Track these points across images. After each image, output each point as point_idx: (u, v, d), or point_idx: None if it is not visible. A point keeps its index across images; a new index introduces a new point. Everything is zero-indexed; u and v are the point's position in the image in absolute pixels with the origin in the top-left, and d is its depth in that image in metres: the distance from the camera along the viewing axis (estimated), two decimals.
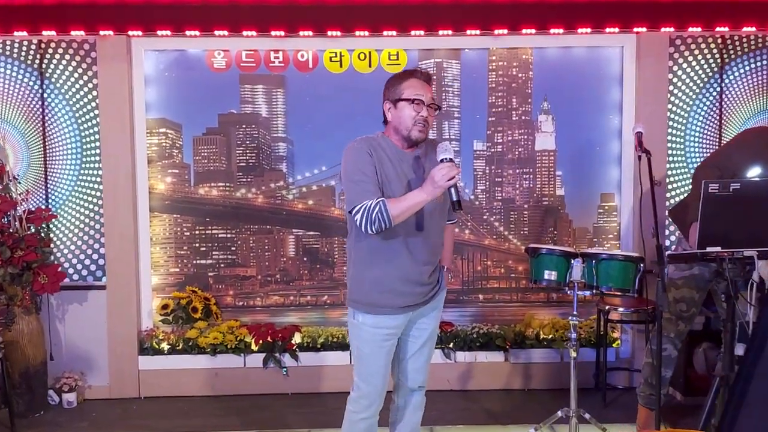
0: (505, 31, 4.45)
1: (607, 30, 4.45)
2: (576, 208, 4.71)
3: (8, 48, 4.42)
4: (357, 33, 4.42)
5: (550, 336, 4.53)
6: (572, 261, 3.21)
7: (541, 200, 4.72)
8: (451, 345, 4.51)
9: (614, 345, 4.60)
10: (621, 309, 4.14)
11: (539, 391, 4.52)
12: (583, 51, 4.59)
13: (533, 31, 4.44)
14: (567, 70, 4.60)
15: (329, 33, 4.42)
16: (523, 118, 4.68)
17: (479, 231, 4.71)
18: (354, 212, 2.56)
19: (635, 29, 4.45)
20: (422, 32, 4.42)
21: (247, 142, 4.63)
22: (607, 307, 4.17)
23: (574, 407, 3.29)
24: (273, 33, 4.42)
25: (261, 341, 4.46)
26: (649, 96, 4.49)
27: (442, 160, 2.49)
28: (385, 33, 4.42)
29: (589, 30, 4.44)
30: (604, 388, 4.30)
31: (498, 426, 3.98)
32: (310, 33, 4.42)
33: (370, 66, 4.55)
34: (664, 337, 3.40)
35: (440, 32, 4.43)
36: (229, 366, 4.48)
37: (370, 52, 4.54)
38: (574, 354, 3.21)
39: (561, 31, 4.44)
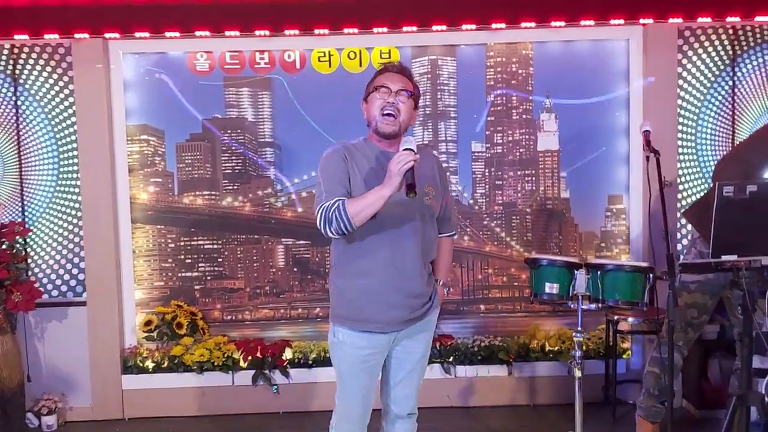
0: (503, 25, 4.22)
1: (612, 22, 4.20)
2: (582, 211, 4.46)
3: None
4: (346, 30, 4.20)
5: (557, 348, 4.28)
6: (575, 272, 2.96)
7: (545, 203, 4.47)
8: (450, 359, 4.28)
9: (624, 356, 4.35)
10: (631, 319, 3.88)
11: (546, 407, 4.27)
12: (586, 45, 4.34)
13: (533, 24, 4.22)
14: (570, 66, 4.35)
15: (317, 31, 4.21)
16: (524, 117, 4.43)
17: (479, 237, 4.46)
18: (316, 215, 2.42)
19: (642, 21, 4.20)
20: (415, 28, 4.20)
21: (233, 147, 4.41)
22: (616, 317, 3.92)
23: (579, 431, 3.03)
24: (257, 32, 4.21)
25: (250, 357, 4.23)
26: (657, 91, 4.24)
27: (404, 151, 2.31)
28: (375, 30, 4.20)
29: (592, 22, 4.20)
30: (614, 402, 4.05)
31: None
32: (297, 32, 4.20)
33: (360, 65, 4.32)
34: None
35: (434, 27, 4.21)
36: (217, 384, 4.27)
37: (360, 51, 4.31)
38: (578, 373, 2.94)
39: (563, 23, 4.22)
